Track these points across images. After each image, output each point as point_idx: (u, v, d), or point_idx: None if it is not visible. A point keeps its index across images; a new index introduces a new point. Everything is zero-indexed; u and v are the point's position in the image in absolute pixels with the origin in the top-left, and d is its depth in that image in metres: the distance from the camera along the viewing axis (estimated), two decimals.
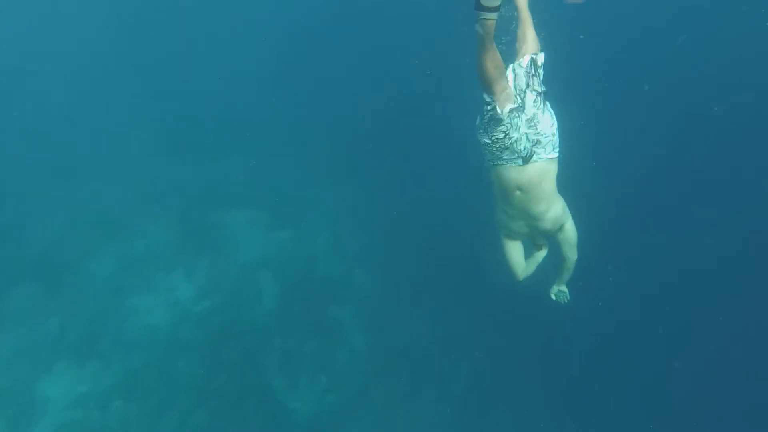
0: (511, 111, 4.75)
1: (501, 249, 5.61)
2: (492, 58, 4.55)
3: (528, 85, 4.83)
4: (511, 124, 4.78)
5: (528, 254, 5.85)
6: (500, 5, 4.26)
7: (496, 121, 4.81)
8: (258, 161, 17.31)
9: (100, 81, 22.24)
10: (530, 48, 5.00)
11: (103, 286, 13.95)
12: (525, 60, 4.93)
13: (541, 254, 5.94)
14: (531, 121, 4.79)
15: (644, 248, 13.19)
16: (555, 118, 4.89)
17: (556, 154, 4.94)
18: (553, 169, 4.99)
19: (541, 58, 4.94)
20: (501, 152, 4.91)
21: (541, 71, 4.89)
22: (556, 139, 4.90)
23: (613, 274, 11.98)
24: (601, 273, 11.68)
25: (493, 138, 4.89)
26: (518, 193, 5.03)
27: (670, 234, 13.34)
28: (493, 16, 4.30)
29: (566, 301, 6.06)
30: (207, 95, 20.87)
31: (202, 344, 12.91)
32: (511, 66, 4.92)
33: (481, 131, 5.00)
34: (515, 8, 5.25)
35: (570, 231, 5.40)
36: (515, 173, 4.94)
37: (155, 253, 14.76)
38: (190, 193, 16.30)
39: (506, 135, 4.82)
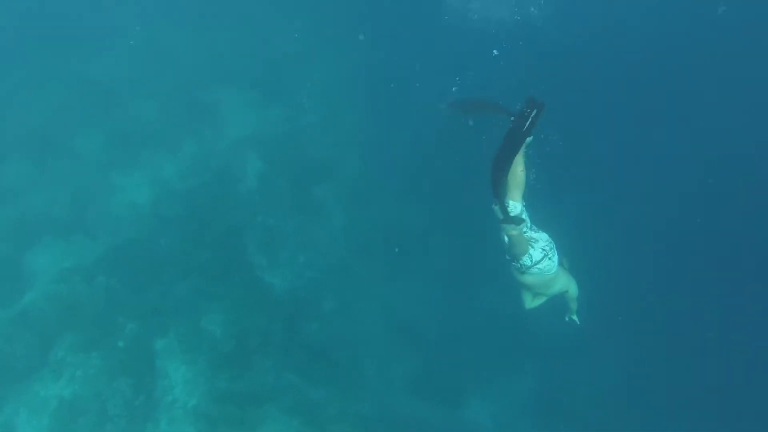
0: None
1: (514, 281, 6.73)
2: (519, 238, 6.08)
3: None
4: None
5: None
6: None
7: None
8: (252, 38, 16.76)
9: None
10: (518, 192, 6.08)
11: (91, 162, 14.05)
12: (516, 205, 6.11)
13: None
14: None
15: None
16: (555, 258, 6.33)
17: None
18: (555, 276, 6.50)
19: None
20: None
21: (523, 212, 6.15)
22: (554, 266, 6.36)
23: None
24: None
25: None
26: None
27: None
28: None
29: (577, 324, 7.55)
30: None
31: (186, 221, 13.07)
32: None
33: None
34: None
35: (573, 293, 6.98)
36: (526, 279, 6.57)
37: (143, 129, 14.73)
38: (182, 68, 16.00)
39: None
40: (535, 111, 5.51)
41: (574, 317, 7.49)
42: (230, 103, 15.48)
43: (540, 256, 6.19)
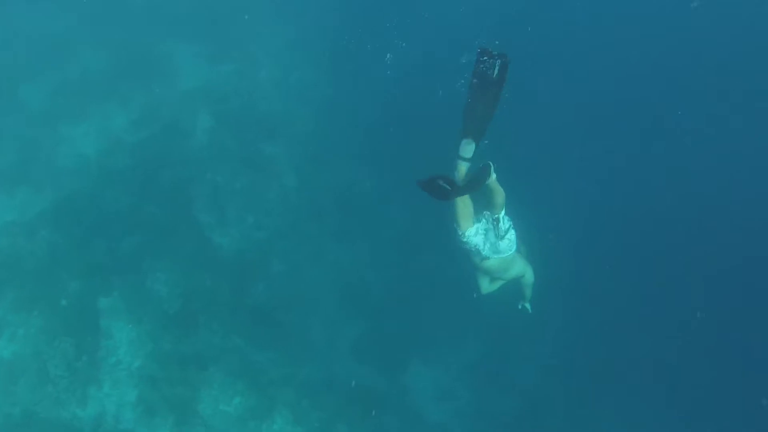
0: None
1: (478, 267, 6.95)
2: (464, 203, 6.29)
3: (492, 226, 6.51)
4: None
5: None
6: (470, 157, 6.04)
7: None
8: None
9: None
10: (497, 209, 6.42)
11: (35, 112, 13.70)
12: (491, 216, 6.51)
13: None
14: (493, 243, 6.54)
15: None
16: (513, 240, 6.60)
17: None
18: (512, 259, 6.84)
19: (501, 215, 6.46)
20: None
21: (500, 224, 6.43)
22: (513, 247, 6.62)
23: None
24: None
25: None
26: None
27: None
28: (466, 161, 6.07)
29: (529, 312, 7.86)
30: None
31: (133, 174, 12.88)
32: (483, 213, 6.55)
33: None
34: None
35: (529, 278, 7.34)
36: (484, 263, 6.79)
37: (91, 79, 14.36)
38: (132, 18, 15.45)
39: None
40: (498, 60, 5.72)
41: (527, 305, 7.78)
42: (182, 56, 15.15)
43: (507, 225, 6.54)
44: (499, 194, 6.32)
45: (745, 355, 11.97)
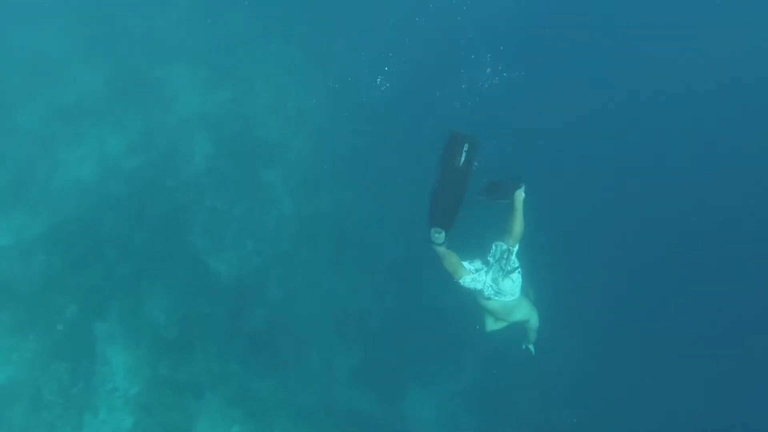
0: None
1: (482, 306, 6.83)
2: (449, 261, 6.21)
3: (497, 261, 6.33)
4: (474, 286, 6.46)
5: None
6: (443, 243, 5.89)
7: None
8: (204, 15, 16.30)
9: None
10: (512, 240, 6.22)
11: (32, 136, 13.58)
12: (503, 246, 6.33)
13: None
14: (495, 282, 6.36)
15: None
16: (518, 282, 6.36)
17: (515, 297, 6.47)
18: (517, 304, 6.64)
19: (515, 249, 6.24)
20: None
21: (512, 257, 6.23)
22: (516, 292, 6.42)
23: None
24: None
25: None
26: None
27: None
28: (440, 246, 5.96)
29: (532, 354, 7.65)
30: None
31: (130, 200, 12.81)
32: (494, 243, 6.43)
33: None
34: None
35: (533, 323, 7.11)
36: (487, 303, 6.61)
37: (87, 103, 14.29)
38: (130, 42, 15.47)
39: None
40: (466, 146, 5.70)
41: (531, 347, 7.62)
42: (179, 81, 15.11)
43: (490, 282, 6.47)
44: (519, 223, 6.23)
45: None
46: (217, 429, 10.39)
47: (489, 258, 6.44)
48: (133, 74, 14.90)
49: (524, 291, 6.72)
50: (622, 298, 13.04)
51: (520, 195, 6.22)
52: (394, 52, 13.07)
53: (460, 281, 6.38)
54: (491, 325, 7.06)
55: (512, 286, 6.37)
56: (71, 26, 15.68)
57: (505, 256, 6.29)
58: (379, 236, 13.04)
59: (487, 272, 6.42)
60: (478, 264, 6.51)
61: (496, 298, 6.44)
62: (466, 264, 6.43)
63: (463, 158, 5.72)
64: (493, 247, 6.45)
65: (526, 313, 6.93)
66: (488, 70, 11.49)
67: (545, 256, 8.22)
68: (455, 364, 12.21)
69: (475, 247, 6.62)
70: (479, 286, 6.41)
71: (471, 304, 6.93)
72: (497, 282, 6.35)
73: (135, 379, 10.55)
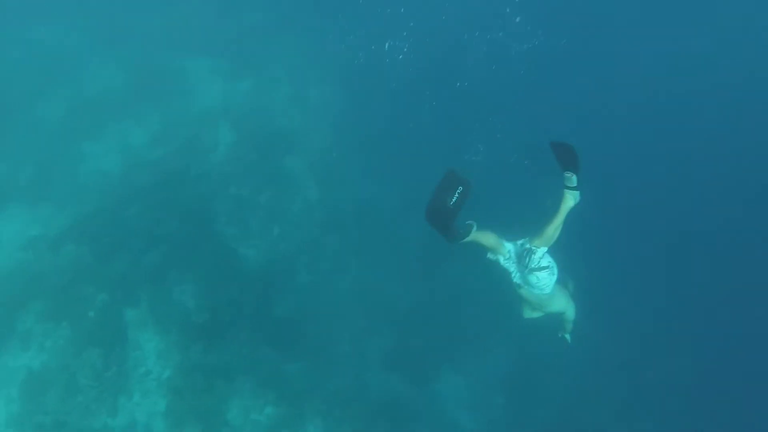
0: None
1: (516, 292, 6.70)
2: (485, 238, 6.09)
3: (519, 258, 6.35)
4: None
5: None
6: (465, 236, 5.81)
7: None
8: (223, 6, 16.38)
9: None
10: (538, 241, 6.15)
11: (55, 129, 13.70)
12: (526, 244, 6.27)
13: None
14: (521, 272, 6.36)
15: None
16: (547, 280, 6.29)
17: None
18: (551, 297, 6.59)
19: (540, 252, 6.17)
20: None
21: (533, 256, 6.17)
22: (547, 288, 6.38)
23: None
24: None
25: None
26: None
27: None
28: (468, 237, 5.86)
29: (568, 343, 7.65)
30: None
31: (155, 190, 12.84)
32: (522, 239, 6.38)
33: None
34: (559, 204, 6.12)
35: (570, 315, 7.10)
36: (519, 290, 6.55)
37: (108, 96, 14.40)
38: (149, 35, 15.55)
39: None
40: (460, 188, 5.63)
41: (567, 336, 7.59)
42: (199, 72, 15.23)
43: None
44: (554, 228, 6.12)
45: None
46: (250, 411, 10.33)
47: (511, 250, 6.44)
48: (152, 67, 15.04)
49: (563, 282, 6.69)
50: (658, 293, 12.92)
51: (570, 199, 6.09)
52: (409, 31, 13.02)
53: (493, 260, 6.41)
54: (528, 313, 7.05)
55: (539, 282, 6.31)
56: (90, 20, 15.81)
57: (526, 255, 6.24)
58: (405, 221, 12.92)
59: (513, 262, 6.43)
60: (510, 246, 6.44)
61: (526, 287, 6.43)
62: (505, 243, 6.38)
63: (454, 199, 5.63)
64: (519, 242, 6.42)
65: (562, 305, 6.91)
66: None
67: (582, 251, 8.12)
68: (487, 347, 12.08)
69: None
70: (511, 269, 6.43)
71: (507, 287, 6.83)
72: (523, 273, 6.35)
73: (167, 364, 10.53)
